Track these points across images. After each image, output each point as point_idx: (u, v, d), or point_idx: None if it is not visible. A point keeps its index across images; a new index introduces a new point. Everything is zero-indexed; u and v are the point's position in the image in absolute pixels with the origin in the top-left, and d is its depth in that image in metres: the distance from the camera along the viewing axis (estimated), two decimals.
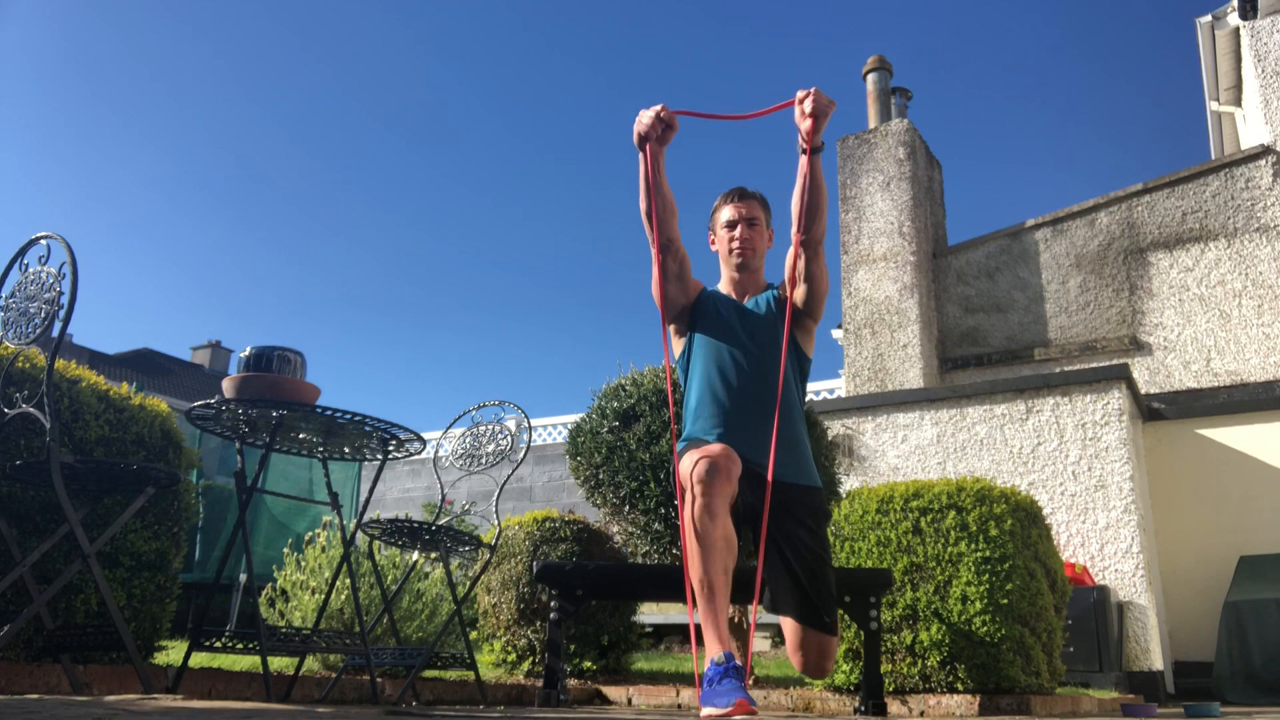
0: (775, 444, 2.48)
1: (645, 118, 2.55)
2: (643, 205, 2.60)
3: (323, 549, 4.76)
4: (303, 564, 4.72)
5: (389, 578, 4.83)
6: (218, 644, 2.65)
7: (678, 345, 2.77)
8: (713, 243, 2.83)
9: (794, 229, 2.60)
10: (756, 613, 3.13)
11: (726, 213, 2.76)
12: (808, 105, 2.49)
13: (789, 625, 2.56)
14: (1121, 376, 6.20)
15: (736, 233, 2.74)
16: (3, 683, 2.42)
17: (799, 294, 2.63)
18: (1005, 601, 3.46)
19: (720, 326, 2.67)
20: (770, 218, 2.81)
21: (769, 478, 2.44)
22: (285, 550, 4.91)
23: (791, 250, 2.62)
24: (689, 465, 2.29)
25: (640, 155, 2.57)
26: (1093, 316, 8.36)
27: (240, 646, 2.65)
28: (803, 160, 2.53)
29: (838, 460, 6.59)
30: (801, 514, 2.56)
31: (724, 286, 2.80)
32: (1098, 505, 6.03)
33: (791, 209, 2.61)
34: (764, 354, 2.63)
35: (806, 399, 3.07)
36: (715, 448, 2.33)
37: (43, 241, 2.44)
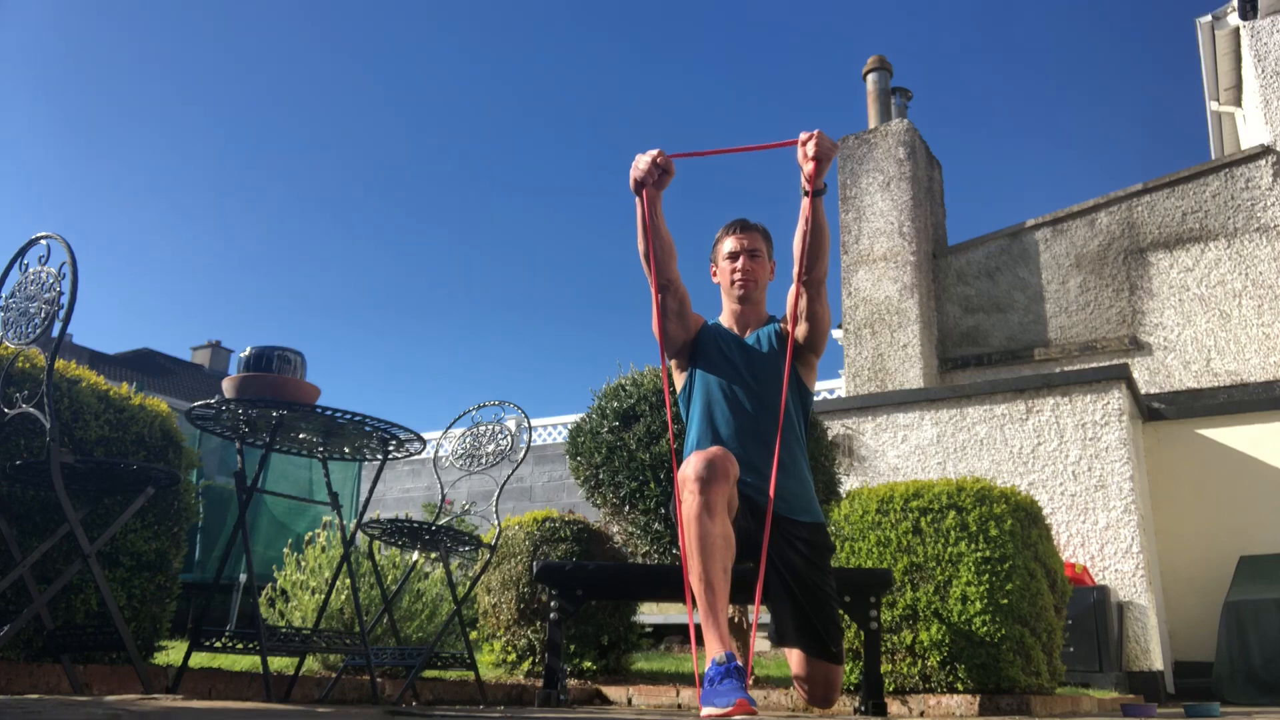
0: (776, 476, 2.49)
1: (641, 163, 2.54)
2: (641, 248, 2.60)
3: (323, 549, 4.76)
4: (303, 564, 4.72)
5: (389, 578, 4.83)
6: (218, 644, 2.65)
7: (679, 380, 2.77)
8: (715, 274, 2.83)
9: (796, 269, 2.60)
10: (757, 613, 3.13)
11: (728, 244, 2.76)
12: (810, 148, 2.49)
13: (795, 656, 2.57)
14: (1121, 376, 6.20)
15: (738, 264, 2.74)
16: (3, 683, 2.43)
17: (800, 331, 2.63)
18: (1005, 601, 3.46)
19: (721, 362, 2.67)
20: (772, 249, 2.81)
21: (770, 504, 2.45)
22: (285, 550, 4.90)
23: (793, 289, 2.63)
24: (686, 465, 2.29)
25: (637, 200, 2.57)
26: (1093, 316, 8.36)
27: (240, 646, 2.66)
28: (805, 202, 2.53)
29: (838, 460, 6.59)
30: (805, 549, 2.57)
31: (725, 318, 2.80)
32: (1098, 505, 6.02)
33: (793, 249, 2.61)
34: (765, 389, 2.63)
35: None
36: (713, 449, 2.33)
37: (43, 241, 2.44)
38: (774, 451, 2.52)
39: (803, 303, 2.60)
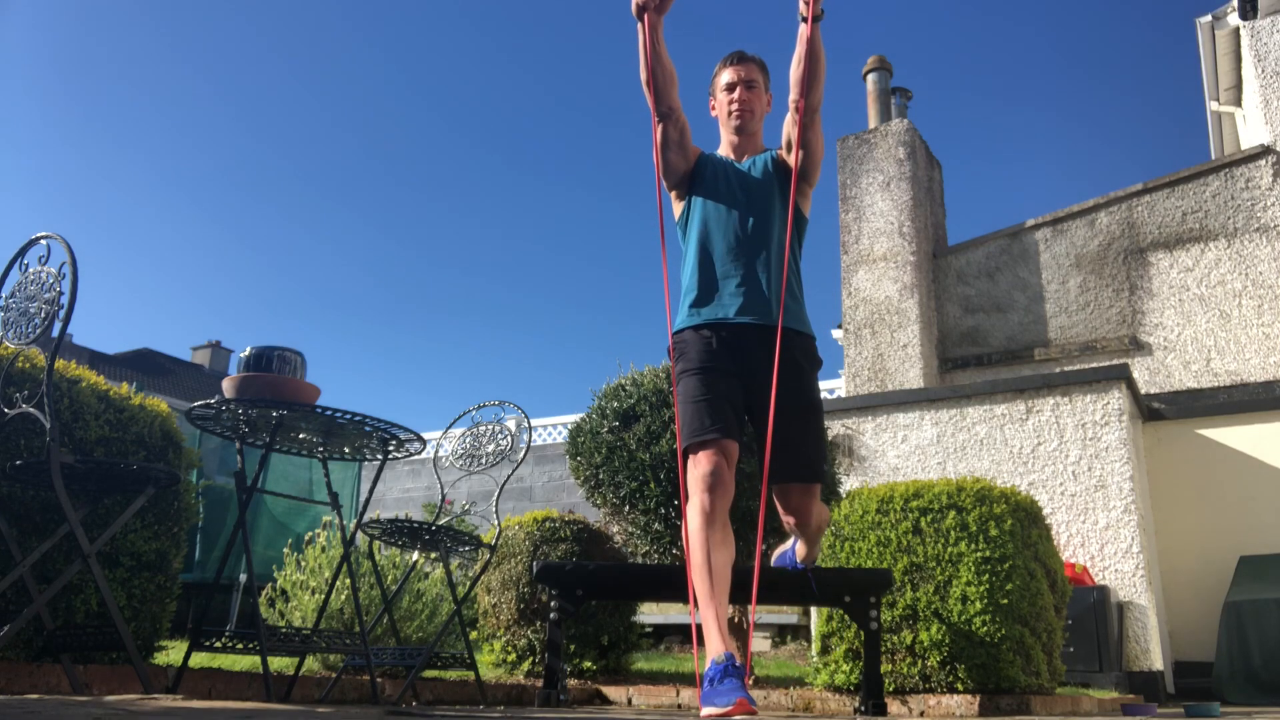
0: (779, 294, 2.57)
1: None
2: (643, 75, 2.63)
3: (323, 549, 4.76)
4: (303, 564, 4.72)
5: (389, 578, 4.83)
6: (218, 644, 2.65)
7: (677, 209, 2.81)
8: (713, 108, 2.86)
9: (793, 95, 2.62)
10: (755, 613, 3.15)
11: (725, 76, 2.79)
12: None
13: (782, 491, 2.65)
14: (1121, 376, 6.20)
15: (735, 95, 2.77)
16: (3, 683, 2.42)
17: (797, 159, 2.66)
18: (1005, 601, 3.45)
19: (718, 189, 2.71)
20: (769, 81, 2.84)
21: (779, 330, 2.52)
22: (285, 550, 4.90)
23: (790, 116, 2.66)
24: (694, 470, 2.34)
25: (639, 25, 2.59)
26: (1093, 316, 8.36)
27: (240, 646, 2.66)
28: (803, 27, 2.55)
29: (838, 460, 6.59)
30: (799, 357, 2.63)
31: (723, 150, 2.83)
32: (1098, 505, 6.02)
33: (790, 75, 2.63)
34: (761, 213, 2.67)
35: None
36: (717, 449, 2.36)
37: (43, 241, 2.45)
38: (770, 268, 2.59)
39: (798, 130, 2.63)
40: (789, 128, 2.67)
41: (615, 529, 5.04)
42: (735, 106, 2.77)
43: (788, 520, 2.69)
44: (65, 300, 2.33)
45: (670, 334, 2.68)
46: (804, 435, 2.59)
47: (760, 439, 2.53)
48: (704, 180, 2.73)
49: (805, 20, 2.54)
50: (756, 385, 2.53)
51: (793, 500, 2.64)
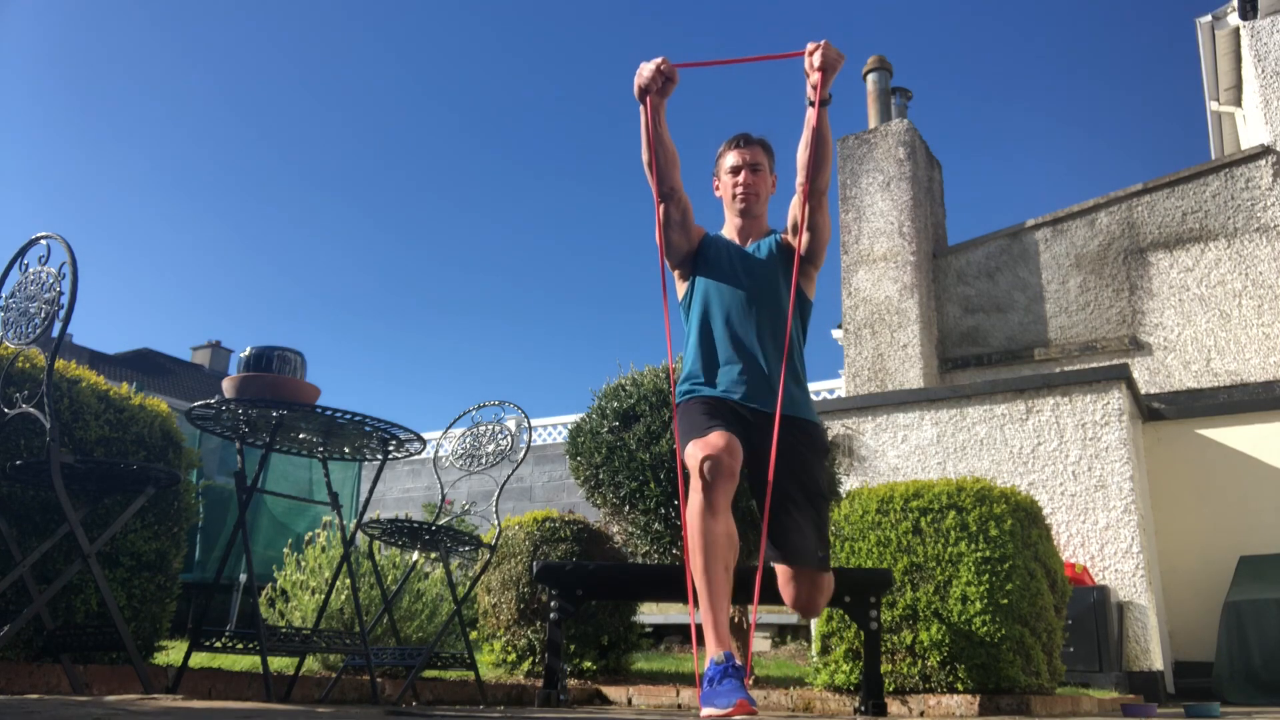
0: (783, 380, 2.54)
1: (646, 71, 2.57)
2: (645, 156, 2.63)
3: (323, 549, 4.76)
4: (303, 564, 4.72)
5: (389, 578, 4.83)
6: (218, 644, 2.65)
7: (680, 288, 2.81)
8: (717, 189, 2.86)
9: (799, 178, 2.63)
10: (756, 613, 3.15)
11: (730, 159, 2.79)
12: (816, 59, 2.51)
13: (785, 573, 2.61)
14: (1121, 376, 6.20)
15: (740, 178, 2.77)
16: (3, 683, 2.43)
17: (802, 241, 2.66)
18: (1005, 601, 3.46)
19: (722, 270, 2.71)
20: (774, 163, 2.84)
21: (778, 413, 2.49)
22: (285, 550, 4.91)
23: (796, 198, 2.66)
24: (694, 461, 2.32)
25: (641, 108, 2.59)
26: (1093, 316, 8.36)
27: (240, 646, 2.66)
28: (810, 112, 2.55)
29: (838, 460, 6.59)
30: (810, 446, 2.61)
31: (728, 232, 2.83)
32: (1098, 505, 6.02)
33: (798, 159, 2.64)
34: (765, 296, 2.66)
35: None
36: (719, 440, 2.34)
37: (43, 241, 2.45)
38: (771, 355, 2.58)
39: (805, 212, 2.63)
40: (795, 209, 2.66)
41: (615, 529, 5.04)
42: (740, 190, 2.76)
43: (794, 610, 2.66)
44: (65, 300, 2.33)
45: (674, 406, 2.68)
46: (811, 523, 2.55)
47: (763, 521, 2.51)
48: (707, 261, 2.73)
49: (813, 104, 2.54)
50: (761, 469, 2.50)
51: (801, 591, 2.58)
